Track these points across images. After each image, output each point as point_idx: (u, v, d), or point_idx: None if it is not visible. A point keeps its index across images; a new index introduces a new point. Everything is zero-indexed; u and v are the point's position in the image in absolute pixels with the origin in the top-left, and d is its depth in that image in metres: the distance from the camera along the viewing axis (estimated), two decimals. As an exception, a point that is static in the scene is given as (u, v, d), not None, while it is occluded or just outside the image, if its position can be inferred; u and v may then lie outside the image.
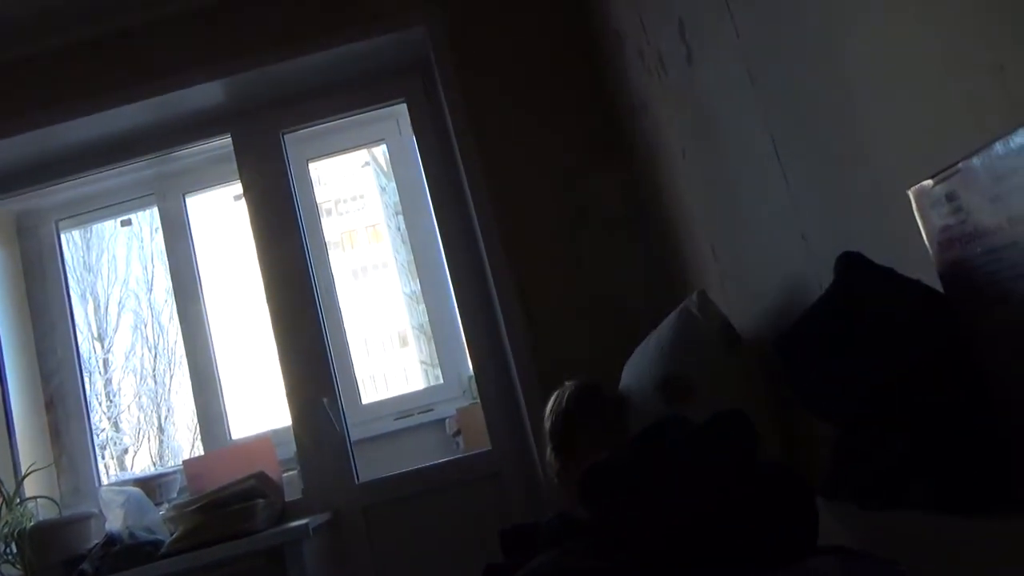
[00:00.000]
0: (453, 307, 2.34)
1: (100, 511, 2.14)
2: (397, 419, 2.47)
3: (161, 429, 5.32)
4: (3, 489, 2.12)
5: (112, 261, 5.43)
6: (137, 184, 2.59)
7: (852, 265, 0.85)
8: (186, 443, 4.92)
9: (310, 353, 2.26)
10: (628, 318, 1.92)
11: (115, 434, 4.87)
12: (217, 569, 1.88)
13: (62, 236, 2.65)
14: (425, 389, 2.65)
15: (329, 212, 7.81)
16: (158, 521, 2.07)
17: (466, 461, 2.21)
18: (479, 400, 2.25)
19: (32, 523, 2.09)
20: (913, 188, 0.72)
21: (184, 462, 2.34)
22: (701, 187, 1.63)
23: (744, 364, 1.32)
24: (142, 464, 5.13)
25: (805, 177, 1.14)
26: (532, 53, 2.20)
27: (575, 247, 2.10)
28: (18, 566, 2.04)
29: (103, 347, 5.34)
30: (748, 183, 1.34)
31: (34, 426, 2.41)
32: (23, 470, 2.23)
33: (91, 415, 2.54)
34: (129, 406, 5.23)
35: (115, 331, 5.46)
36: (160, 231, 2.61)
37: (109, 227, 4.48)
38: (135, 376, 5.36)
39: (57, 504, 2.28)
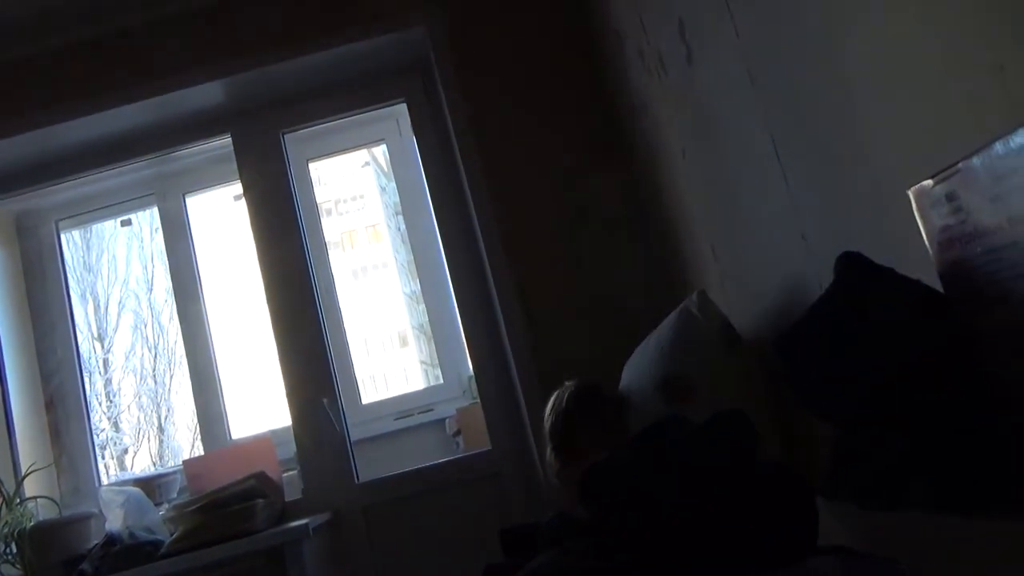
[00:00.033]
0: (453, 307, 2.34)
1: (100, 511, 2.14)
2: (397, 419, 2.47)
3: (161, 429, 5.32)
4: (3, 489, 2.12)
5: (112, 261, 5.43)
6: (137, 184, 2.59)
7: (852, 265, 0.85)
8: (186, 443, 4.92)
9: (310, 353, 2.27)
10: (628, 318, 1.92)
11: (115, 434, 4.87)
12: (217, 569, 1.88)
13: (62, 236, 2.65)
14: (425, 389, 2.65)
15: (329, 212, 7.81)
16: (158, 521, 2.07)
17: (466, 461, 2.21)
18: (479, 400, 2.25)
19: (32, 523, 2.09)
20: (913, 188, 0.72)
21: (184, 462, 2.34)
22: (701, 187, 1.63)
23: (744, 364, 1.32)
24: (142, 464, 5.13)
25: (805, 177, 1.14)
26: (532, 53, 2.20)
27: (575, 247, 2.10)
28: (18, 566, 2.04)
29: (103, 347, 5.34)
30: (748, 183, 1.34)
31: (34, 426, 2.41)
32: (23, 470, 2.23)
33: (91, 415, 2.54)
34: (129, 406, 5.23)
35: (115, 331, 5.46)
36: (160, 231, 2.61)
37: (109, 227, 4.48)
38: (135, 376, 5.36)
39: (57, 504, 2.28)
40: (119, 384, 5.34)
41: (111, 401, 5.11)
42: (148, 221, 4.19)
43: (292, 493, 2.22)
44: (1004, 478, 0.66)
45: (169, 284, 2.59)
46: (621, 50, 1.92)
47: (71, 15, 2.18)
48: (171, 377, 5.35)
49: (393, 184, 2.77)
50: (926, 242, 0.72)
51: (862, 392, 0.79)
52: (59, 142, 2.33)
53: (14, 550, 2.05)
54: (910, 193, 0.72)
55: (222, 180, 2.61)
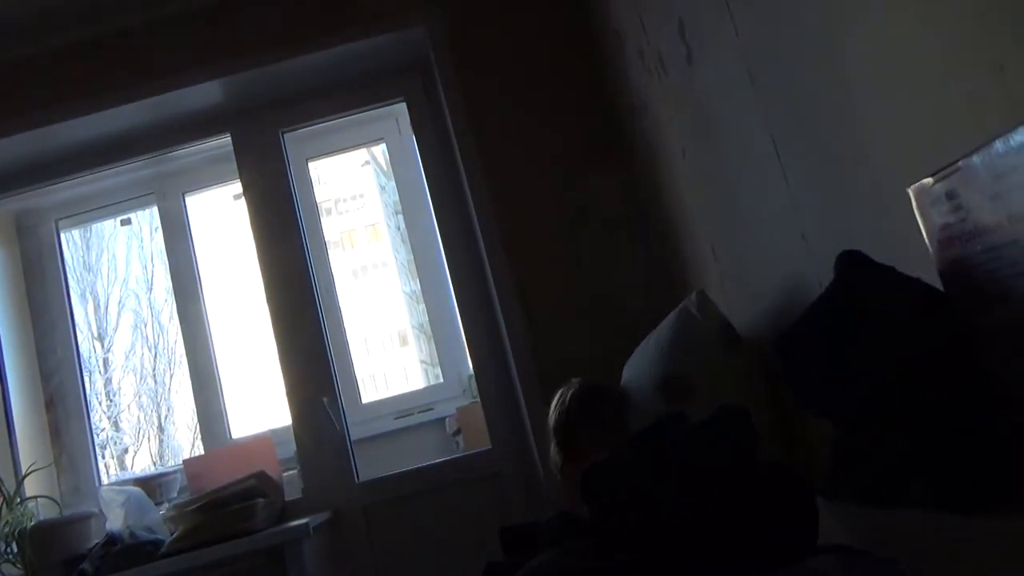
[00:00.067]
0: (453, 306, 2.34)
1: (100, 511, 2.14)
2: (397, 418, 2.47)
3: (161, 428, 5.32)
4: (3, 488, 2.12)
5: (112, 260, 5.43)
6: (136, 183, 2.58)
7: (853, 264, 0.85)
8: (186, 442, 4.93)
9: (310, 352, 2.27)
10: (628, 318, 1.92)
11: (115, 433, 4.87)
12: (217, 568, 1.88)
13: (62, 235, 2.65)
14: (425, 388, 2.65)
15: (329, 211, 7.81)
16: (158, 521, 2.07)
17: (466, 460, 2.21)
18: (479, 399, 2.25)
19: (32, 523, 2.09)
20: (913, 186, 0.72)
21: (184, 461, 2.34)
22: (701, 187, 1.63)
23: (744, 364, 1.32)
24: (142, 464, 5.13)
25: (805, 176, 1.14)
26: (532, 53, 2.19)
27: (575, 247, 2.10)
28: (19, 565, 2.04)
29: (103, 346, 5.34)
30: (748, 183, 1.34)
31: (34, 425, 2.41)
32: (23, 469, 2.23)
33: (91, 414, 2.54)
34: (129, 405, 5.23)
35: (115, 330, 5.46)
36: (160, 230, 2.61)
37: (109, 226, 4.48)
38: (135, 375, 5.36)
39: (57, 504, 2.28)
40: (119, 383, 5.34)
41: (111, 400, 5.11)
42: (148, 220, 4.19)
43: (292, 492, 2.22)
44: (1004, 477, 0.66)
45: (169, 283, 2.59)
46: (621, 50, 1.92)
47: (71, 15, 2.18)
48: (171, 376, 5.36)
49: (393, 183, 2.77)
50: (926, 240, 0.72)
51: (862, 392, 0.79)
52: (59, 142, 2.33)
53: (15, 549, 2.05)
54: (910, 191, 0.72)
55: (222, 179, 2.61)
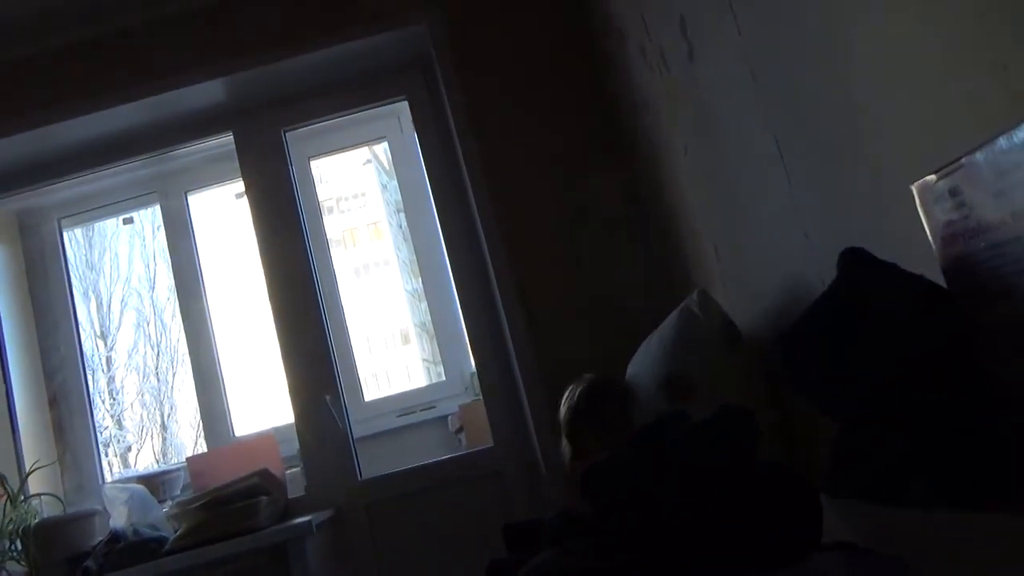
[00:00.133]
0: (455, 304, 2.34)
1: (104, 508, 2.15)
2: (399, 416, 2.47)
3: (164, 427, 5.34)
4: (8, 486, 2.13)
5: (114, 259, 5.44)
6: (139, 182, 2.59)
7: (856, 261, 0.85)
8: (189, 440, 4.94)
9: (313, 350, 2.27)
10: (628, 318, 1.92)
11: (118, 432, 4.89)
12: (220, 566, 1.88)
13: (64, 234, 2.66)
14: (427, 386, 2.65)
15: (331, 210, 7.81)
16: (162, 518, 2.08)
17: (468, 458, 2.21)
18: (481, 397, 2.25)
19: (36, 520, 2.10)
20: (916, 184, 0.72)
21: (187, 459, 2.35)
22: (703, 184, 1.63)
23: (745, 363, 1.32)
24: (145, 462, 5.14)
25: (807, 174, 1.13)
26: (532, 53, 2.19)
27: (575, 247, 2.10)
28: (23, 563, 2.05)
29: (106, 345, 5.35)
30: (750, 181, 1.34)
31: (38, 424, 2.42)
32: (27, 467, 2.24)
33: (94, 412, 2.55)
34: (132, 404, 5.25)
35: (118, 329, 5.47)
36: (162, 229, 2.62)
37: (111, 225, 4.49)
38: (138, 374, 5.38)
39: (61, 501, 2.29)
40: (122, 382, 5.36)
41: (114, 399, 5.12)
42: (150, 219, 4.20)
43: (295, 490, 2.22)
44: (1005, 477, 0.66)
45: (171, 282, 2.60)
46: (623, 47, 1.92)
47: (71, 15, 2.18)
48: (174, 375, 5.37)
49: (394, 182, 2.77)
50: (929, 238, 0.71)
51: (862, 392, 0.79)
52: (61, 141, 2.33)
53: (19, 547, 2.05)
54: (913, 189, 0.72)
55: (224, 178, 2.61)
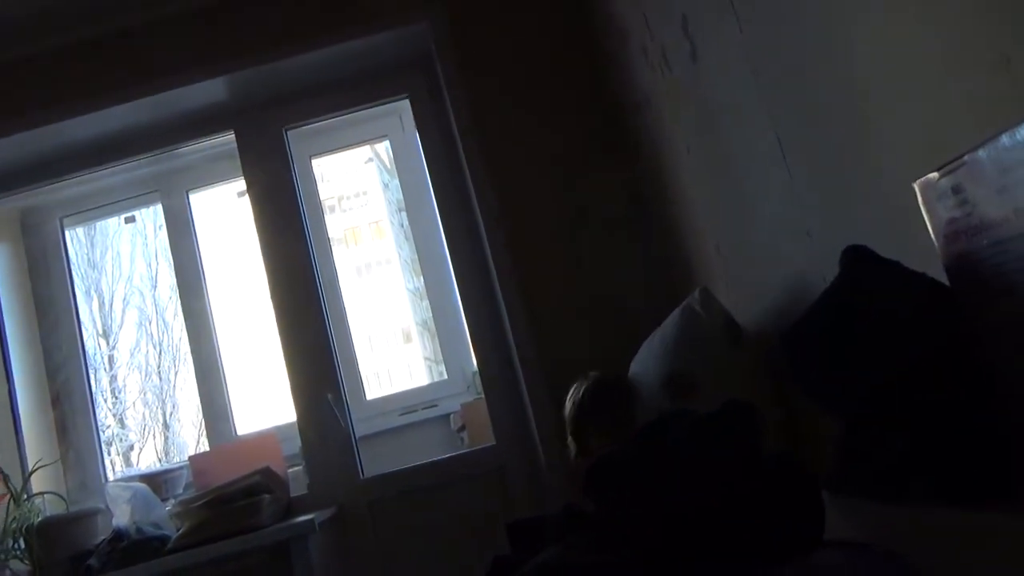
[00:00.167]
0: (457, 303, 2.34)
1: (107, 507, 2.15)
2: (402, 415, 2.47)
3: (166, 425, 5.35)
4: (11, 485, 2.13)
5: (116, 258, 5.45)
6: (141, 181, 2.59)
7: (858, 258, 0.85)
8: (191, 439, 4.94)
9: (315, 349, 2.27)
10: (628, 318, 1.93)
11: (121, 430, 4.89)
12: (223, 564, 1.89)
13: (66, 233, 2.66)
14: (429, 385, 2.65)
15: (332, 208, 7.82)
16: (164, 517, 2.08)
17: (471, 456, 2.21)
18: (483, 395, 2.25)
19: (39, 519, 2.10)
20: (919, 181, 0.72)
21: (190, 458, 2.35)
22: (706, 182, 1.63)
23: (748, 360, 1.32)
24: (148, 460, 5.15)
25: (809, 173, 1.13)
26: (532, 53, 2.19)
27: (575, 247, 2.10)
28: (26, 561, 2.06)
29: (108, 344, 5.36)
30: (752, 179, 1.34)
31: (40, 422, 2.42)
32: (30, 466, 2.25)
33: (97, 411, 2.55)
34: (134, 402, 5.25)
35: (120, 328, 5.48)
36: (164, 228, 2.62)
37: (113, 224, 4.50)
38: (140, 372, 5.38)
39: (64, 500, 2.29)
40: (124, 381, 5.36)
41: (116, 398, 5.13)
42: (152, 218, 4.20)
43: (297, 488, 2.23)
44: (1005, 476, 0.66)
45: (173, 280, 2.60)
46: (624, 47, 1.92)
47: (71, 15, 2.18)
48: (176, 373, 5.38)
49: (396, 180, 2.77)
50: (932, 235, 0.71)
51: (862, 391, 0.79)
52: (62, 141, 2.34)
53: (22, 545, 2.06)
54: (916, 186, 0.72)
55: (225, 177, 2.61)
